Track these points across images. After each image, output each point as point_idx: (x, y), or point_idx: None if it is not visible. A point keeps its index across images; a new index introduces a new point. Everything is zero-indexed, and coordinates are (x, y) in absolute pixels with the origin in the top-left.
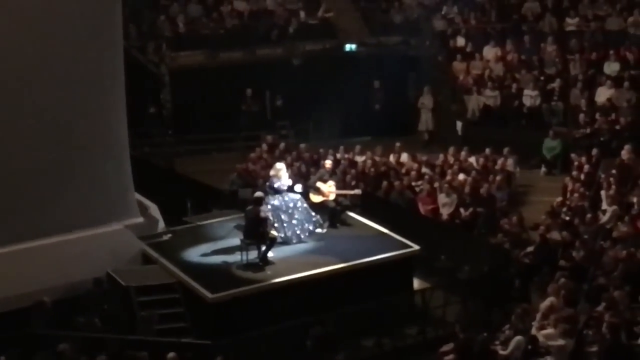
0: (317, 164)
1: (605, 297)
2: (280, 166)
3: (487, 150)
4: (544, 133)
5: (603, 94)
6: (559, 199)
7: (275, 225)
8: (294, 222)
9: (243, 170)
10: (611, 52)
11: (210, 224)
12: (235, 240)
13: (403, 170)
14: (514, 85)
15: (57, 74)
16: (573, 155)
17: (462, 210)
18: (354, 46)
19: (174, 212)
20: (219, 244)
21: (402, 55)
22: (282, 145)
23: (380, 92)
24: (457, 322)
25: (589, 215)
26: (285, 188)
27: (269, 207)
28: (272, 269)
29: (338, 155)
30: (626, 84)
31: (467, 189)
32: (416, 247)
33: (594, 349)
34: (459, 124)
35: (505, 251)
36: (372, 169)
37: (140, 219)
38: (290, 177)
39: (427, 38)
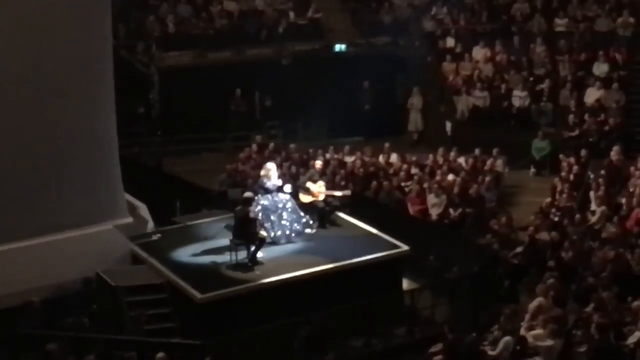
0: (306, 164)
1: (593, 298)
2: (271, 166)
3: (476, 151)
4: (533, 134)
5: (592, 95)
6: (548, 199)
7: (265, 225)
8: (283, 222)
9: (232, 170)
10: (600, 53)
11: (199, 224)
12: (225, 241)
13: (392, 171)
14: (503, 86)
15: (46, 73)
16: (562, 156)
17: (451, 210)
18: (343, 46)
19: (163, 212)
20: (208, 244)
21: (392, 56)
22: (271, 145)
23: (369, 92)
24: (446, 323)
25: (577, 216)
26: (275, 188)
27: (259, 207)
28: (261, 269)
29: (327, 156)
30: (615, 84)
31: (456, 190)
32: (405, 247)
33: (583, 349)
34: (448, 125)
35: (494, 252)
36: (361, 170)
37: (130, 219)
38: (279, 177)
39: (416, 39)
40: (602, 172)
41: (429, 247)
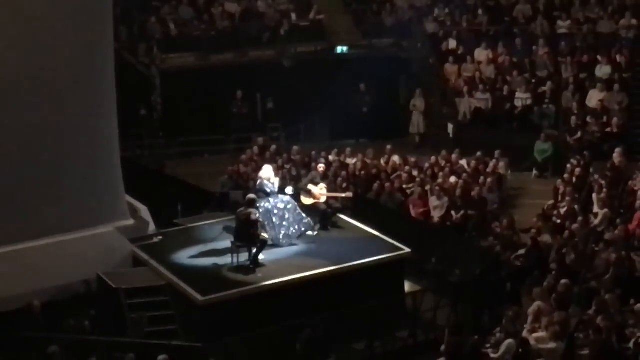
0: (308, 166)
1: (596, 300)
2: (270, 168)
3: (479, 153)
4: (536, 136)
5: (594, 97)
6: (551, 202)
7: (267, 227)
8: (285, 224)
9: (234, 172)
10: (603, 55)
11: (200, 226)
12: (226, 243)
13: (394, 173)
14: (506, 88)
15: (47, 75)
16: (564, 158)
17: (453, 213)
18: (345, 48)
19: (164, 214)
20: (210, 247)
21: (394, 58)
22: (273, 147)
23: (371, 94)
24: (448, 325)
25: (580, 219)
26: (276, 190)
27: (260, 209)
28: (262, 271)
29: (330, 158)
30: (617, 86)
31: (458, 192)
32: (407, 250)
33: (585, 352)
34: (450, 127)
35: (496, 254)
36: (363, 172)
37: (131, 221)
38: (281, 179)
39: (418, 40)
40: (606, 173)
41: (431, 250)
